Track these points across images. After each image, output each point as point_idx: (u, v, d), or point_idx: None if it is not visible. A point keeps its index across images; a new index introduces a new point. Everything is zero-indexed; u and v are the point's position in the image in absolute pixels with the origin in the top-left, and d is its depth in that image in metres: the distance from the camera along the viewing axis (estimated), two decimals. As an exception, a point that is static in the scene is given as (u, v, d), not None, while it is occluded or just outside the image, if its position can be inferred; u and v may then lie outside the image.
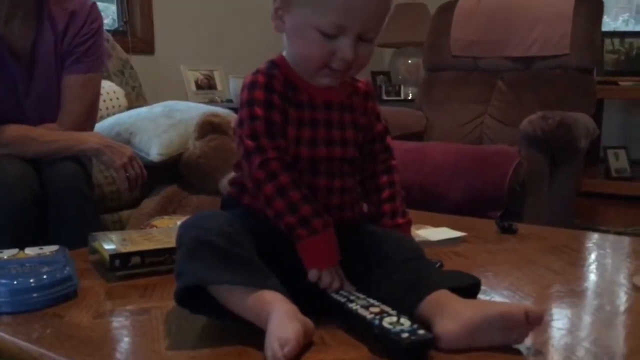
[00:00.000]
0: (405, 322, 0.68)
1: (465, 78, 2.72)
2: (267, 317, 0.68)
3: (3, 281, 0.84)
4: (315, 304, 0.74)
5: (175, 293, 0.73)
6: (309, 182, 0.81)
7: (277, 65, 0.83)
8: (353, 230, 0.84)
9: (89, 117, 1.50)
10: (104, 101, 2.35)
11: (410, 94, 4.00)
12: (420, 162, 2.14)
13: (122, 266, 0.97)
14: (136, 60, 2.72)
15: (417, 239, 1.19)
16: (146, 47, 3.04)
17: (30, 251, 0.98)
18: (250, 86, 0.81)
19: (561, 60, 2.51)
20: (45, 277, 0.87)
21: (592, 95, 2.45)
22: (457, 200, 2.02)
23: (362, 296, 0.75)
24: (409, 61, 4.16)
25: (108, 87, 2.39)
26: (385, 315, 0.69)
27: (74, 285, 0.90)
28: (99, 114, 2.27)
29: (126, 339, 0.77)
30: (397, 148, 2.40)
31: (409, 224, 0.91)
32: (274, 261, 0.75)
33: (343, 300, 0.74)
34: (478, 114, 2.63)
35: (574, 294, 0.92)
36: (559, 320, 0.81)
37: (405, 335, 0.65)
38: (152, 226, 1.21)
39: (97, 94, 1.53)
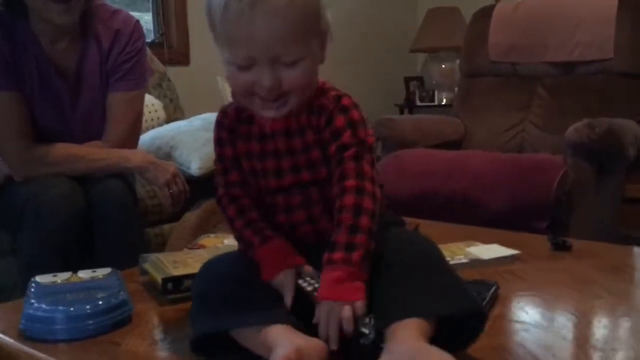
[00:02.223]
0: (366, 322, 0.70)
1: (504, 84, 2.67)
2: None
3: (60, 308, 0.84)
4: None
5: (190, 344, 0.75)
6: (271, 220, 0.83)
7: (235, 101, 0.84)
8: None
9: (133, 133, 1.51)
10: (143, 114, 2.37)
11: (445, 99, 3.96)
12: (461, 171, 2.10)
13: (175, 289, 0.96)
14: (172, 72, 2.73)
15: (468, 257, 1.17)
16: (182, 58, 3.06)
17: (83, 274, 0.98)
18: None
19: (604, 65, 2.44)
20: (100, 302, 0.86)
21: (638, 100, 2.39)
22: (501, 210, 1.98)
23: None
24: (443, 66, 4.11)
25: (147, 100, 2.38)
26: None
27: (129, 311, 0.90)
28: (138, 127, 2.31)
29: (185, 369, 0.76)
30: (437, 158, 2.38)
31: (347, 262, 0.72)
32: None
33: (310, 289, 0.75)
34: (518, 121, 2.58)
35: (641, 318, 0.88)
36: (628, 350, 0.77)
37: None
38: (200, 246, 1.20)
39: (140, 111, 1.54)
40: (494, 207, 1.99)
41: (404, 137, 2.43)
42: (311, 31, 0.76)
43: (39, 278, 0.96)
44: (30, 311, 0.85)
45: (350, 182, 0.76)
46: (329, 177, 0.81)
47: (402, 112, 4.17)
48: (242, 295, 0.76)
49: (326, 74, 0.82)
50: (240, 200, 0.85)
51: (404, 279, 0.73)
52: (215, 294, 0.77)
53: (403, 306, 0.70)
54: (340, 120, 0.79)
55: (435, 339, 0.69)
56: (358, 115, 0.80)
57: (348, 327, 0.69)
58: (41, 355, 0.80)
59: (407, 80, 4.32)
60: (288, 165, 0.82)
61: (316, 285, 0.75)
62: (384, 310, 0.71)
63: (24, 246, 1.36)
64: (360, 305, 0.70)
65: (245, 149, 0.84)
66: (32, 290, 0.91)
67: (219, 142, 0.85)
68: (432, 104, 4.02)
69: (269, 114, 0.79)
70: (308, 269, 0.79)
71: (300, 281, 0.77)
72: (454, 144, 2.60)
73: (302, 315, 0.74)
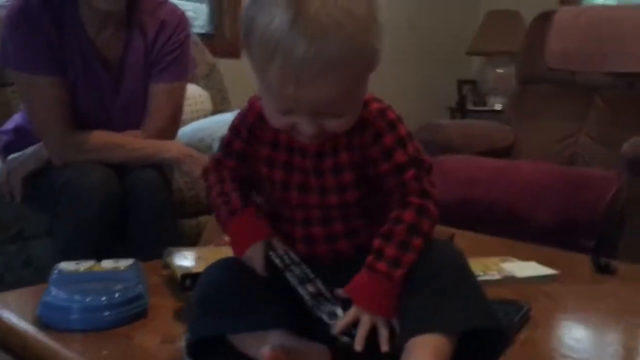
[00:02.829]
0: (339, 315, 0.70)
1: (560, 93, 2.56)
2: None
3: (76, 297, 0.84)
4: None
5: (186, 348, 0.74)
6: (285, 230, 0.80)
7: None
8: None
9: (172, 125, 1.51)
10: (189, 105, 2.38)
11: (501, 105, 3.85)
12: (507, 180, 2.03)
13: (193, 286, 0.94)
14: (223, 64, 2.74)
15: (501, 273, 1.11)
16: (233, 50, 3.07)
17: (106, 264, 0.98)
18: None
19: (670, 78, 2.32)
20: (117, 295, 0.86)
21: None
22: (546, 224, 1.90)
23: (296, 260, 0.76)
24: (499, 70, 4.00)
25: (194, 91, 2.42)
26: (322, 300, 0.72)
27: (144, 305, 0.89)
28: (185, 117, 2.32)
29: (192, 370, 0.74)
30: (482, 165, 2.30)
31: (388, 278, 0.71)
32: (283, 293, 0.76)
33: (280, 265, 0.75)
34: (572, 132, 2.47)
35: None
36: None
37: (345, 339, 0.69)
38: (226, 243, 1.19)
39: (180, 102, 1.54)
40: (539, 221, 1.91)
41: (449, 143, 2.37)
42: (364, 79, 0.70)
43: (62, 265, 0.97)
44: (48, 299, 0.85)
45: (415, 200, 0.74)
46: (358, 201, 0.77)
47: (453, 116, 4.08)
48: (240, 299, 0.74)
49: (378, 74, 0.77)
50: (222, 172, 0.83)
51: (426, 291, 0.70)
52: (213, 298, 0.75)
53: (423, 320, 0.68)
54: (389, 138, 0.74)
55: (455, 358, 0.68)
56: (405, 131, 0.76)
57: (385, 346, 0.68)
58: (53, 343, 0.80)
59: (461, 83, 4.23)
60: (315, 184, 0.77)
61: (287, 262, 0.75)
62: (404, 321, 0.70)
63: (59, 230, 1.38)
64: (396, 323, 0.70)
65: (269, 155, 0.78)
66: (54, 277, 0.92)
67: (234, 129, 0.81)
68: (485, 108, 3.92)
69: (305, 140, 0.73)
70: (277, 243, 0.78)
71: (271, 254, 0.76)
72: (503, 152, 2.52)
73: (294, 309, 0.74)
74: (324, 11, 0.63)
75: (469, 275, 0.74)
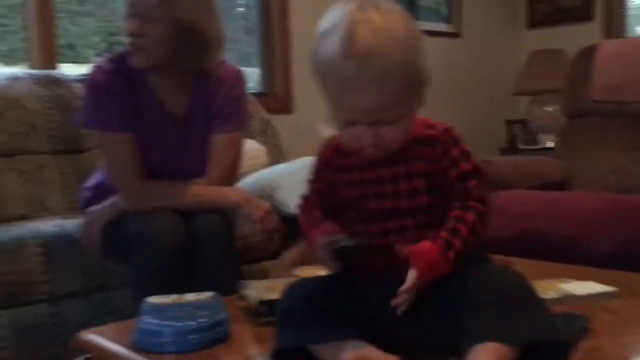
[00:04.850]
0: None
1: (609, 124, 2.58)
2: None
3: (167, 323, 0.94)
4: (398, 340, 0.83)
5: (271, 355, 0.85)
6: (364, 230, 0.89)
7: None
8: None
9: (232, 172, 1.63)
10: (248, 159, 2.52)
11: (552, 143, 3.86)
12: (563, 211, 2.04)
13: (269, 312, 1.03)
14: (277, 120, 2.89)
15: (560, 292, 1.15)
16: (285, 106, 3.24)
17: (189, 297, 1.08)
18: None
19: None
20: (203, 320, 0.96)
21: None
22: (606, 252, 1.90)
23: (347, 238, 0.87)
24: (547, 109, 4.03)
25: (252, 145, 2.56)
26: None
27: (226, 330, 0.98)
28: (245, 170, 2.45)
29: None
30: (537, 198, 2.31)
31: (448, 263, 0.82)
32: (360, 307, 0.85)
33: (336, 247, 0.87)
34: (625, 162, 2.47)
35: None
36: None
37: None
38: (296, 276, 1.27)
39: (240, 151, 1.66)
40: (599, 250, 1.91)
41: (502, 178, 2.41)
42: (411, 91, 0.83)
43: (151, 298, 1.07)
44: (142, 325, 0.95)
45: (476, 205, 0.85)
46: (428, 207, 0.87)
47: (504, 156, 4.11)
48: (321, 312, 0.83)
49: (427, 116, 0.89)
50: (310, 203, 0.95)
51: (490, 307, 0.76)
52: (297, 312, 0.84)
53: (489, 329, 0.74)
54: (455, 151, 0.87)
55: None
56: (465, 147, 0.88)
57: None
58: (150, 364, 0.89)
59: (510, 123, 4.27)
60: (390, 190, 0.87)
61: (340, 243, 0.87)
62: (469, 333, 0.76)
63: (133, 276, 1.49)
64: None
65: (347, 180, 0.90)
66: (145, 308, 1.02)
67: (315, 171, 0.94)
68: (536, 147, 3.93)
69: (368, 155, 0.86)
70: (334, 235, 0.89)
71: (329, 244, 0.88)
72: (556, 186, 2.53)
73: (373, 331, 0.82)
74: (367, 39, 0.79)
75: (533, 292, 0.80)
